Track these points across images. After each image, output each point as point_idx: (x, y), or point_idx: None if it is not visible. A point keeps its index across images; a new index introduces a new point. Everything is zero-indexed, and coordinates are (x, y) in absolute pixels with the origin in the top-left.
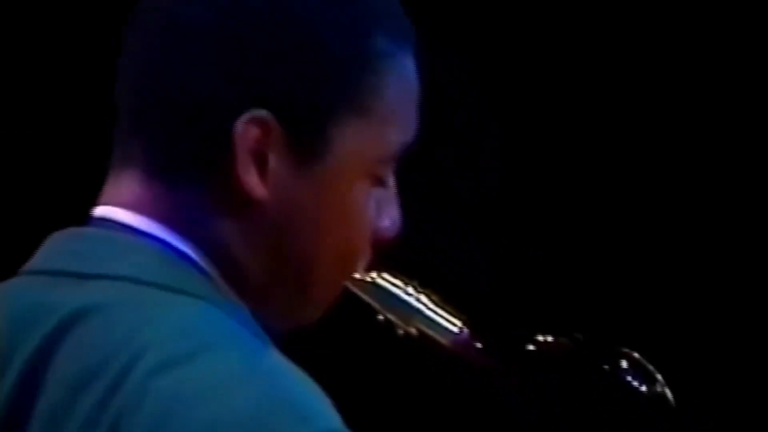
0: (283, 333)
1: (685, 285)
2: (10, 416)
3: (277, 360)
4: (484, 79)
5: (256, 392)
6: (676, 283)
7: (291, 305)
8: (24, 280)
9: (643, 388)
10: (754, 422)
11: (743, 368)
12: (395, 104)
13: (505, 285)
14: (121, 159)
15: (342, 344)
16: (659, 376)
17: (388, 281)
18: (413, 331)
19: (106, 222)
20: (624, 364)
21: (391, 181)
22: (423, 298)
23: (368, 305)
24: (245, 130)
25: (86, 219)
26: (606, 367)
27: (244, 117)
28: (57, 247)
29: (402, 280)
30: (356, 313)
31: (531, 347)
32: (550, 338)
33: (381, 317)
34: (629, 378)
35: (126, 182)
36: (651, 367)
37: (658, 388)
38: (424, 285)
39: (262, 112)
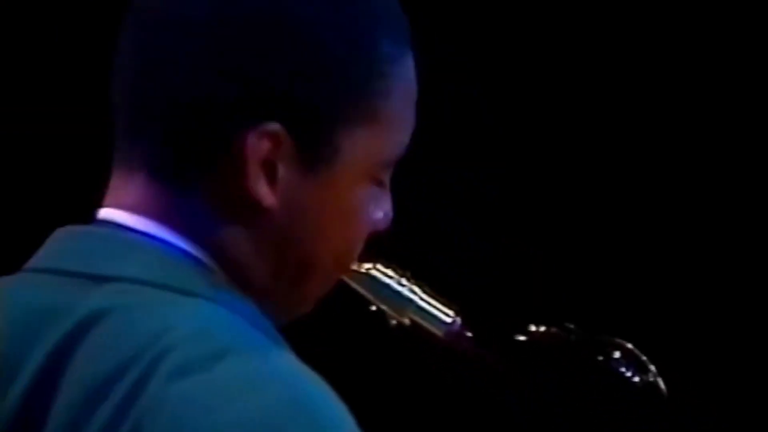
0: (278, 325)
1: (685, 285)
2: (24, 419)
3: (293, 364)
4: (484, 79)
5: (275, 397)
6: (676, 283)
7: (288, 300)
8: (30, 277)
9: (636, 379)
10: (748, 413)
11: (737, 361)
12: (399, 107)
13: (505, 285)
14: (124, 161)
15: (335, 335)
16: (652, 367)
17: (381, 272)
18: (406, 321)
19: (111, 224)
20: (617, 354)
21: (387, 181)
22: (416, 288)
23: (361, 296)
24: (257, 142)
25: (86, 219)
26: (599, 357)
27: (257, 130)
28: (64, 246)
29: (395, 270)
30: (349, 304)
31: (523, 337)
32: (542, 328)
33: (374, 308)
34: (622, 368)
35: (130, 185)
36: (644, 358)
37: (651, 378)
38: (418, 277)
39: (275, 126)
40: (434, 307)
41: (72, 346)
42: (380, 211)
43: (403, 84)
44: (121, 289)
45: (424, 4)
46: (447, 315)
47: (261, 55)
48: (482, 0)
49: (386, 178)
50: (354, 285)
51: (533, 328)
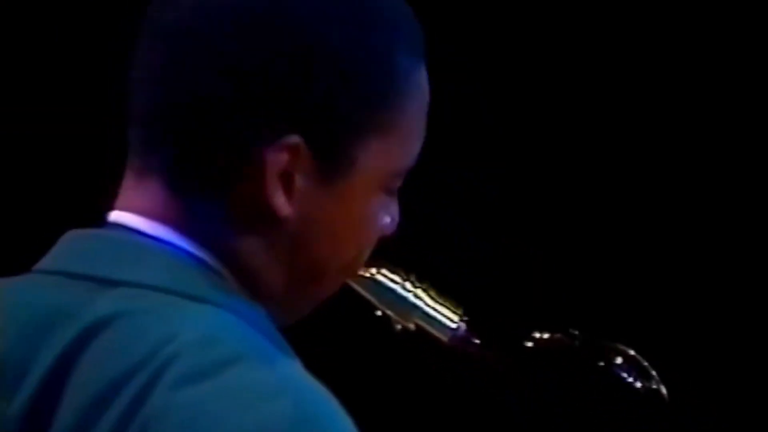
0: (282, 327)
1: (684, 285)
2: (31, 423)
3: (301, 374)
4: (484, 79)
5: (281, 408)
6: (676, 283)
7: (295, 304)
8: (38, 279)
9: (638, 385)
10: (750, 419)
11: (739, 366)
12: (414, 118)
13: (505, 285)
14: (139, 167)
15: (340, 339)
16: (654, 373)
17: (386, 277)
18: (411, 326)
19: (122, 227)
20: (619, 360)
21: (398, 186)
22: (421, 293)
23: (367, 301)
24: (277, 155)
25: (86, 219)
26: (602, 363)
27: (277, 143)
28: (74, 248)
29: (400, 275)
30: (355, 309)
31: (528, 343)
32: (546, 335)
33: (379, 312)
34: (625, 374)
35: (144, 189)
36: (646, 364)
37: (653, 385)
38: (422, 281)
39: (295, 138)
40: (439, 312)
41: (79, 351)
42: (388, 216)
43: (417, 95)
44: (130, 294)
45: (424, 4)
46: (452, 320)
47: (281, 69)
48: (482, 0)
49: (397, 187)
50: (360, 290)
51: (537, 334)
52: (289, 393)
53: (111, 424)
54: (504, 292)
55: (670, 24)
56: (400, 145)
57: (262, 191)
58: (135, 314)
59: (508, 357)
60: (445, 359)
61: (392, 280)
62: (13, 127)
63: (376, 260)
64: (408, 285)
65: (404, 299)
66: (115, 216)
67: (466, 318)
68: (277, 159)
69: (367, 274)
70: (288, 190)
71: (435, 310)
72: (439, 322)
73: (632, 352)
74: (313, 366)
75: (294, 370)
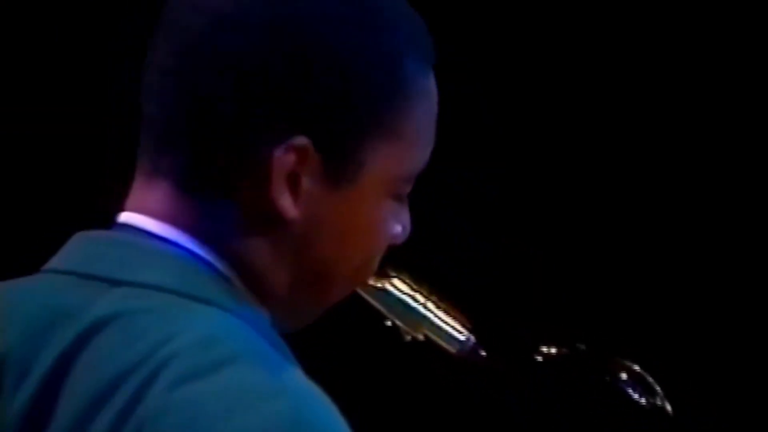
0: (290, 333)
1: (684, 284)
2: (31, 420)
3: (299, 378)
4: (484, 79)
5: (279, 410)
6: (676, 282)
7: (303, 309)
8: (47, 278)
9: (643, 401)
10: (749, 414)
11: (737, 360)
12: (422, 125)
13: (505, 285)
14: (149, 169)
15: (351, 347)
16: (659, 389)
17: (397, 288)
18: (420, 337)
19: (132, 228)
20: (624, 376)
21: (406, 196)
22: (431, 305)
23: (377, 311)
24: (284, 156)
25: (86, 218)
26: (607, 378)
27: (285, 144)
28: (84, 249)
29: (411, 287)
30: (366, 318)
31: (535, 357)
32: (554, 349)
33: (389, 323)
34: (629, 390)
35: (154, 191)
36: (651, 380)
37: (658, 401)
38: (432, 293)
39: (303, 140)
40: (448, 324)
41: (78, 351)
42: (399, 225)
43: (425, 102)
44: (133, 294)
45: (424, 4)
46: (461, 332)
47: (291, 74)
48: (482, 0)
49: (405, 194)
50: (370, 299)
51: (545, 348)
52: (286, 395)
53: (108, 422)
54: (504, 292)
55: (670, 24)
56: (407, 149)
57: (269, 192)
58: (136, 314)
59: (516, 370)
60: (454, 370)
61: (402, 291)
62: (13, 127)
63: (387, 270)
64: (418, 296)
65: (414, 310)
66: (125, 217)
67: (474, 331)
68: (284, 160)
69: (378, 285)
70: (295, 192)
71: (444, 321)
72: (448, 334)
73: (637, 368)
74: (323, 372)
75: (293, 373)
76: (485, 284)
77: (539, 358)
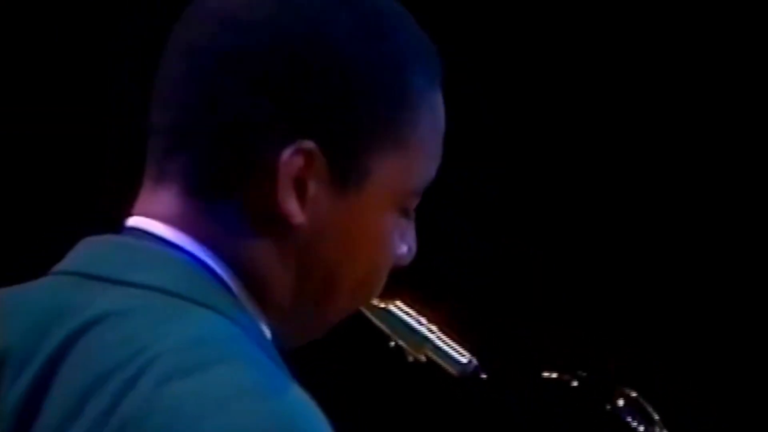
0: (295, 351)
1: (684, 284)
2: (23, 414)
3: (286, 381)
4: (485, 79)
5: (263, 411)
6: (676, 282)
7: (307, 324)
8: (52, 279)
9: (641, 429)
10: (749, 414)
11: (737, 359)
12: (427, 138)
13: (505, 285)
14: (157, 173)
15: (355, 366)
16: (657, 417)
17: (401, 309)
18: (422, 358)
19: (139, 232)
20: (622, 402)
21: (413, 212)
22: (434, 328)
23: (381, 331)
24: (291, 159)
25: (86, 218)
26: (608, 406)
27: (292, 147)
28: (89, 252)
29: (415, 309)
30: (370, 338)
31: (535, 383)
32: (554, 374)
33: (393, 343)
34: (628, 418)
35: (161, 196)
36: (649, 408)
37: (656, 429)
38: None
39: (309, 143)
40: (451, 347)
41: (69, 348)
42: (405, 245)
43: (430, 116)
44: (130, 293)
45: (424, 4)
46: (463, 355)
47: (300, 80)
48: (482, 0)
49: (412, 208)
50: (375, 320)
51: (545, 374)
52: (270, 396)
53: (93, 419)
54: (504, 292)
55: (670, 24)
56: (413, 162)
57: (276, 196)
58: (129, 313)
59: (516, 395)
60: (455, 392)
61: (406, 313)
62: (13, 127)
63: (392, 292)
64: (422, 319)
65: (417, 332)
66: (133, 221)
67: (476, 355)
68: (291, 163)
69: (382, 305)
70: (301, 197)
71: (447, 344)
72: (450, 356)
73: (635, 395)
74: (328, 390)
75: (280, 377)
76: (485, 284)
77: (540, 384)
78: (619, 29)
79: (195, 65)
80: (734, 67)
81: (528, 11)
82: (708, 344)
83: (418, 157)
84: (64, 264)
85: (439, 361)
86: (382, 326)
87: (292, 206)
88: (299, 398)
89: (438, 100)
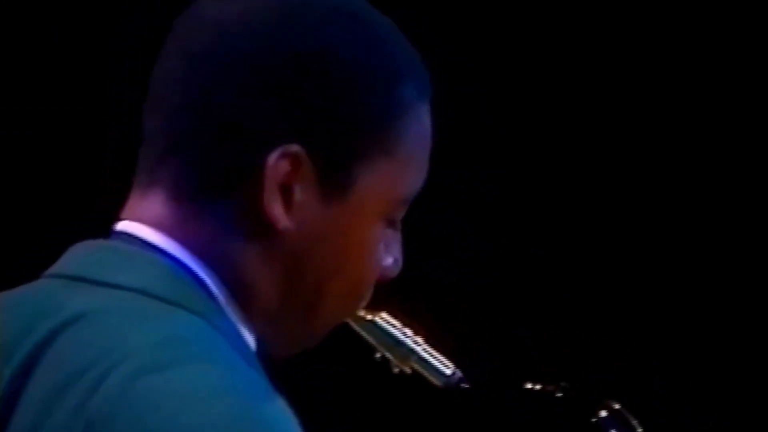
0: (281, 361)
1: (684, 283)
2: (3, 410)
3: (264, 385)
4: (484, 79)
5: (231, 408)
6: (676, 281)
7: (293, 333)
8: (44, 282)
9: None
10: (749, 414)
11: (737, 359)
12: (414, 149)
13: (505, 285)
14: (148, 178)
15: (340, 378)
16: (640, 430)
17: (386, 321)
18: (408, 370)
19: (127, 236)
20: (605, 413)
21: (399, 223)
22: (419, 339)
23: (367, 343)
24: (277, 163)
25: (85, 218)
26: (592, 419)
27: (278, 151)
28: (79, 255)
29: (400, 321)
30: (355, 350)
31: (519, 394)
32: (538, 386)
33: (378, 355)
34: (612, 430)
35: (152, 201)
36: (634, 421)
37: None
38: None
39: (296, 148)
40: (435, 358)
41: (48, 345)
42: (390, 257)
43: (417, 127)
44: (110, 294)
45: (424, 4)
46: (447, 367)
47: (290, 86)
48: (482, 0)
49: (398, 219)
50: (361, 332)
51: (529, 385)
52: (238, 395)
53: (64, 416)
54: (504, 292)
55: (670, 24)
56: (399, 172)
57: (262, 200)
58: (106, 312)
59: (499, 407)
60: (439, 402)
61: (392, 325)
62: (13, 127)
63: (377, 304)
64: (407, 331)
65: (402, 344)
66: (121, 226)
67: (460, 366)
68: (277, 167)
69: (368, 317)
70: (287, 202)
71: (431, 356)
72: (435, 368)
73: (618, 406)
74: (313, 401)
75: (250, 376)
76: (485, 284)
77: (523, 395)
78: (619, 29)
79: (188, 71)
80: (734, 67)
81: (528, 11)
82: (708, 344)
83: (405, 167)
84: (55, 267)
85: (424, 372)
86: (368, 338)
87: (277, 211)
88: (275, 403)
89: (424, 113)
